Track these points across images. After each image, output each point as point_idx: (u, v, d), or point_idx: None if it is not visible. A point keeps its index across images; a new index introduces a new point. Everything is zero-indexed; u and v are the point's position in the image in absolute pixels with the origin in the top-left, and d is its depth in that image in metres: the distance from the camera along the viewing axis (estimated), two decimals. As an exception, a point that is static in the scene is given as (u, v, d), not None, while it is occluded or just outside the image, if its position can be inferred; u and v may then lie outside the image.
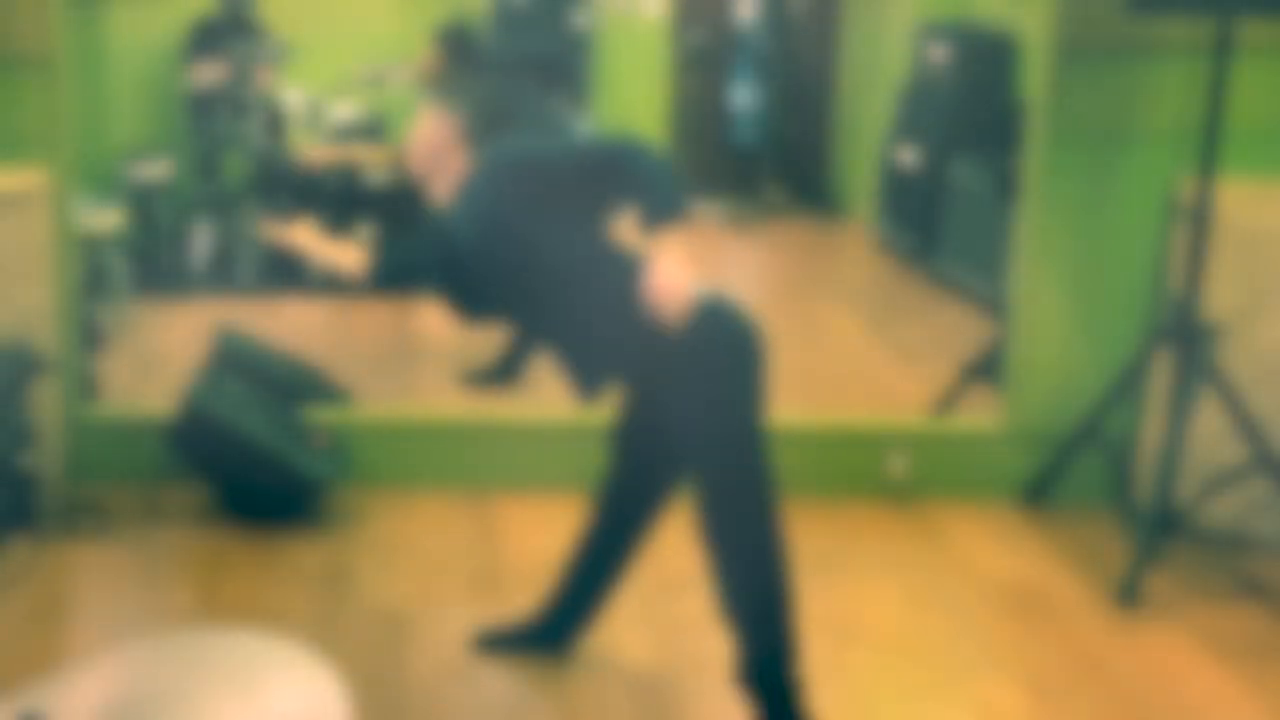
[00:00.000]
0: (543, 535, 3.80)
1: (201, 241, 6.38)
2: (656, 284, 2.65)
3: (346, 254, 2.98)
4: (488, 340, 5.06)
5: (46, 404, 3.99)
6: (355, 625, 3.32)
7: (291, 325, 5.69)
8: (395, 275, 3.00)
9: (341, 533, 3.83)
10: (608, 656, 3.18)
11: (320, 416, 4.13)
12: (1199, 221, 3.59)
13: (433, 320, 3.70)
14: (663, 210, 2.67)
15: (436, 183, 2.95)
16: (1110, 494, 4.01)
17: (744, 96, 8.45)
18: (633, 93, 7.80)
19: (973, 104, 6.19)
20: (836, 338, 5.65)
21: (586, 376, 2.84)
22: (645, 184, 2.69)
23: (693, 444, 2.77)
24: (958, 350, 5.21)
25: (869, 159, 7.20)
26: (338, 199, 6.20)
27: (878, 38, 7.66)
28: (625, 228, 2.84)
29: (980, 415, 4.32)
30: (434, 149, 2.92)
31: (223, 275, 6.34)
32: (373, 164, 6.28)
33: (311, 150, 6.49)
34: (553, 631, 3.16)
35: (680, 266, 2.65)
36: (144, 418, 4.16)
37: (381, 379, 5.02)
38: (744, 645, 2.77)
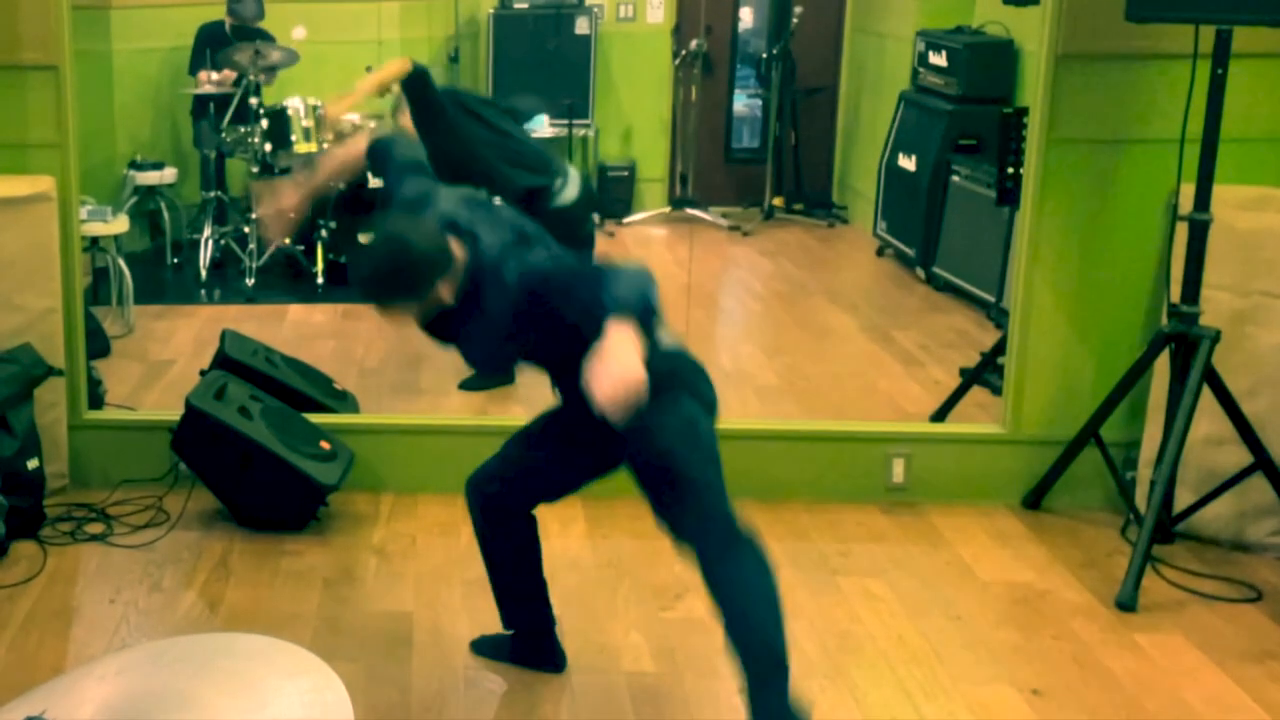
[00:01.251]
0: (544, 541, 3.81)
1: (206, 247, 6.40)
2: (600, 368, 2.46)
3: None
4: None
5: (52, 408, 4.02)
6: (359, 629, 3.34)
7: (295, 330, 5.71)
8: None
9: (345, 537, 3.85)
10: (609, 661, 3.20)
11: (324, 421, 4.14)
12: (1197, 226, 3.60)
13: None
14: (620, 304, 2.51)
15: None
16: (1109, 498, 4.03)
17: (745, 102, 8.46)
18: (634, 99, 7.83)
19: (972, 109, 6.21)
20: (837, 342, 5.66)
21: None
22: (611, 290, 2.54)
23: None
24: (958, 355, 5.23)
25: (870, 164, 7.21)
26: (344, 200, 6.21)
27: (879, 43, 7.68)
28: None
29: (980, 420, 4.34)
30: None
31: (227, 281, 6.36)
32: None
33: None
34: (532, 649, 3.16)
35: (631, 347, 2.46)
36: (148, 422, 4.18)
37: (384, 384, 5.04)
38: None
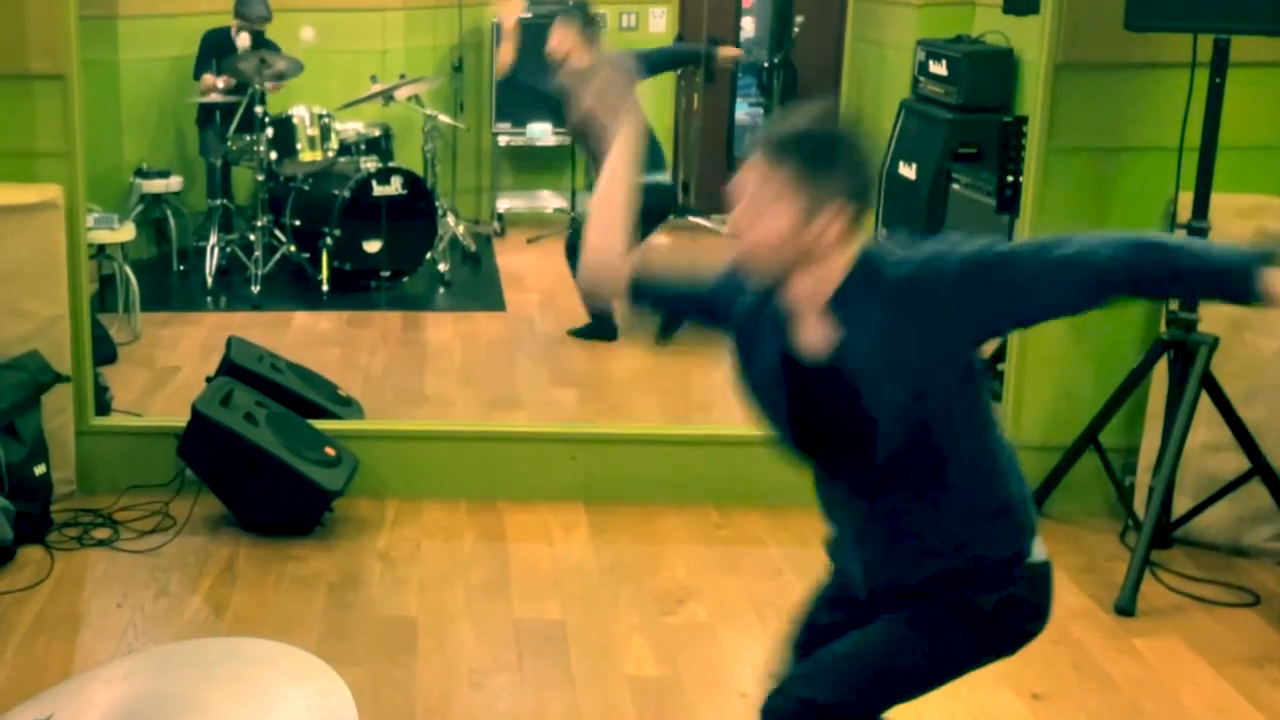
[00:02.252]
0: (548, 546, 3.84)
1: (212, 255, 6.43)
2: None
3: None
4: (488, 341, 5.11)
5: (59, 415, 4.04)
6: (364, 633, 3.36)
7: (300, 337, 5.73)
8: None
9: (350, 542, 3.87)
10: (611, 664, 3.22)
11: (329, 427, 4.17)
12: (1195, 234, 3.62)
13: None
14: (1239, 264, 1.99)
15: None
16: (1108, 504, 4.04)
17: (747, 111, 8.49)
18: (637, 107, 7.85)
19: (972, 118, 6.24)
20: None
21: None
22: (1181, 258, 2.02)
23: None
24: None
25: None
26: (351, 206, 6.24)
27: (880, 53, 7.71)
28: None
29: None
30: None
31: (232, 288, 6.39)
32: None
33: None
34: None
35: None
36: (155, 428, 4.21)
37: (389, 390, 5.07)
38: None
